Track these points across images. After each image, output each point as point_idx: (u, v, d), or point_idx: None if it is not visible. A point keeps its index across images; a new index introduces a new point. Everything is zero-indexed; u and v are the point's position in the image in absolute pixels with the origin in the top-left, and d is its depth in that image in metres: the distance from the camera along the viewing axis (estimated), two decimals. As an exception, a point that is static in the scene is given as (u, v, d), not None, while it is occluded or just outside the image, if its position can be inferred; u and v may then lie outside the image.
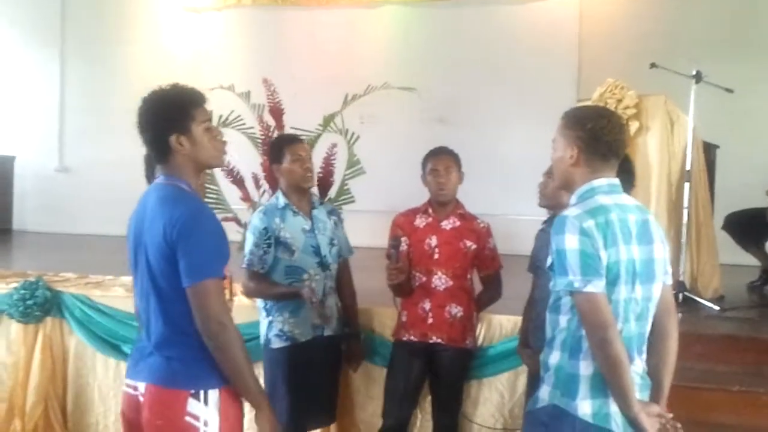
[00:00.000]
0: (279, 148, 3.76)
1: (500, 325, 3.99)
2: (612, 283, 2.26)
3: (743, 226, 6.07)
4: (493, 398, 3.96)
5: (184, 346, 2.34)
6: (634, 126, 5.28)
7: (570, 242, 2.26)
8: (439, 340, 3.67)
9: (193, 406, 2.30)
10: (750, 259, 6.26)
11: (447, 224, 3.73)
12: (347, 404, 4.21)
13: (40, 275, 4.88)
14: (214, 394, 2.33)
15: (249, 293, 3.75)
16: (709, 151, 5.62)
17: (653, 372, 2.41)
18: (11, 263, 6.89)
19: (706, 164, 5.47)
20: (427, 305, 3.67)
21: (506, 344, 3.94)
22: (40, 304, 4.70)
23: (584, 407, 2.28)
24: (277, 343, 3.62)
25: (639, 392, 2.33)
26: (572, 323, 2.33)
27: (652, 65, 5.38)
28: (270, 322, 3.65)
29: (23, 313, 4.69)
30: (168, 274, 2.31)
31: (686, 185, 5.13)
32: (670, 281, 2.46)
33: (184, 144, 2.41)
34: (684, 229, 5.13)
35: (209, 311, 2.28)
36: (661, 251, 2.41)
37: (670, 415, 2.36)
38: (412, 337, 3.71)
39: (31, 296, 4.69)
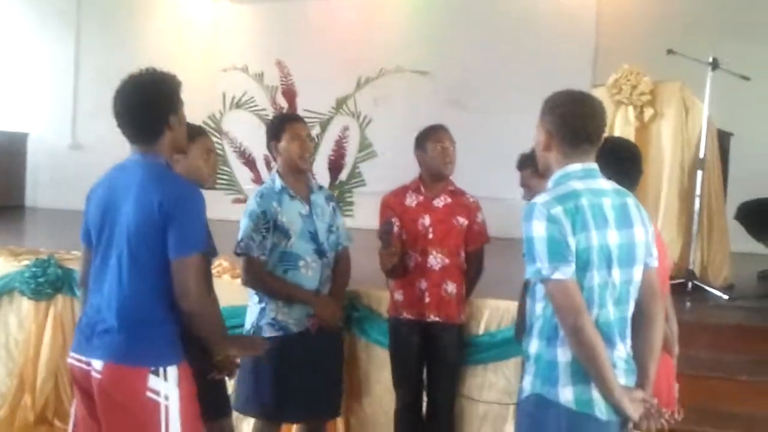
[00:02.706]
0: (278, 125, 3.59)
1: (508, 311, 3.98)
2: (583, 269, 2.23)
3: (757, 215, 6.03)
4: (499, 383, 3.96)
5: (150, 321, 2.40)
6: (648, 113, 5.25)
7: (537, 229, 2.23)
8: (436, 319, 3.67)
9: (153, 382, 2.38)
10: (762, 248, 6.21)
11: (439, 202, 3.72)
12: (354, 388, 4.21)
13: (52, 253, 4.90)
14: (173, 371, 2.41)
15: (250, 284, 3.47)
16: (723, 138, 5.58)
17: (638, 357, 2.37)
18: (23, 240, 6.94)
19: (720, 152, 5.44)
20: (423, 285, 3.66)
21: (513, 330, 3.93)
22: (51, 282, 4.73)
23: (566, 394, 2.25)
24: (268, 332, 3.42)
25: (624, 377, 2.30)
26: (547, 310, 2.30)
27: (669, 51, 5.32)
28: (262, 309, 3.47)
29: (34, 290, 4.72)
30: (152, 248, 2.38)
31: (699, 173, 5.10)
32: (654, 264, 2.41)
33: (175, 124, 2.52)
34: (696, 218, 5.11)
35: (191, 284, 2.37)
36: (643, 234, 2.36)
37: (656, 400, 2.34)
38: (409, 316, 3.70)
39: (42, 274, 4.73)
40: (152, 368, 2.38)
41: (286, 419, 3.64)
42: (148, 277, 2.40)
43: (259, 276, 3.42)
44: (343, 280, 3.66)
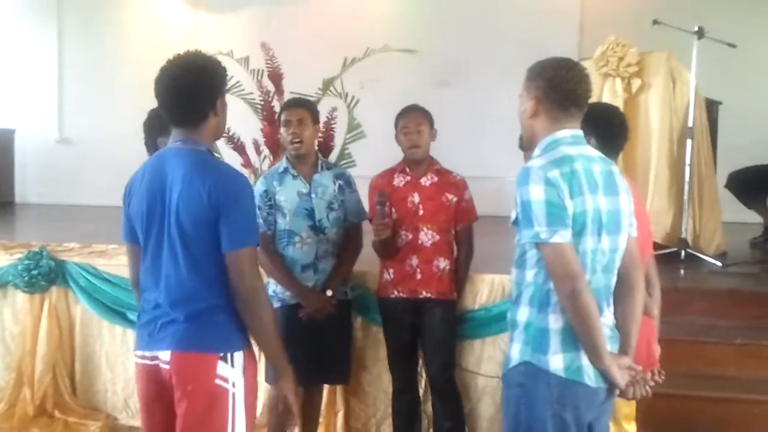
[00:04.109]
0: (279, 114, 3.83)
1: (503, 286, 3.99)
2: (578, 233, 2.23)
3: (747, 183, 6.07)
4: (496, 356, 3.97)
5: (212, 309, 2.34)
6: (636, 84, 5.27)
7: (535, 193, 2.21)
8: (428, 295, 3.70)
9: (222, 368, 2.33)
10: (753, 217, 6.25)
11: (426, 180, 3.75)
12: (353, 367, 4.20)
13: (44, 245, 4.88)
14: (239, 356, 2.37)
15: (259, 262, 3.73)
16: (711, 107, 5.61)
17: (620, 324, 2.38)
18: (15, 235, 6.90)
19: (709, 121, 5.46)
20: (415, 261, 3.69)
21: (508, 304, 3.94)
22: (44, 274, 4.71)
23: (556, 362, 2.25)
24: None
25: (609, 344, 2.31)
26: (539, 277, 2.29)
27: (655, 22, 5.34)
28: (267, 283, 3.68)
29: (28, 283, 4.70)
30: (206, 239, 2.31)
31: (688, 142, 5.11)
32: (635, 234, 2.42)
33: (220, 108, 2.46)
34: (686, 187, 5.13)
35: (245, 277, 2.32)
36: (627, 203, 2.37)
37: (640, 368, 2.35)
38: (401, 294, 3.73)
39: (35, 266, 4.70)
40: (221, 354, 2.33)
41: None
42: (205, 269, 2.33)
43: (264, 251, 3.58)
44: (348, 256, 3.77)
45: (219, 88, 2.45)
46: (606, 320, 2.33)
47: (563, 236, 2.19)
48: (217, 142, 4.91)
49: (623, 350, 2.36)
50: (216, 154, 4.87)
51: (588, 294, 2.20)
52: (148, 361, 2.41)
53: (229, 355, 2.35)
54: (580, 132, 2.38)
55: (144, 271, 2.46)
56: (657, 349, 3.08)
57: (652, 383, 2.40)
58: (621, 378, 2.28)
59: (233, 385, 2.35)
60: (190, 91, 2.38)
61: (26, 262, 4.71)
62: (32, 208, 9.27)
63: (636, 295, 2.41)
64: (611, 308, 2.37)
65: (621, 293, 2.39)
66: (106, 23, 9.52)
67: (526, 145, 2.53)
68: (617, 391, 2.33)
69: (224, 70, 2.49)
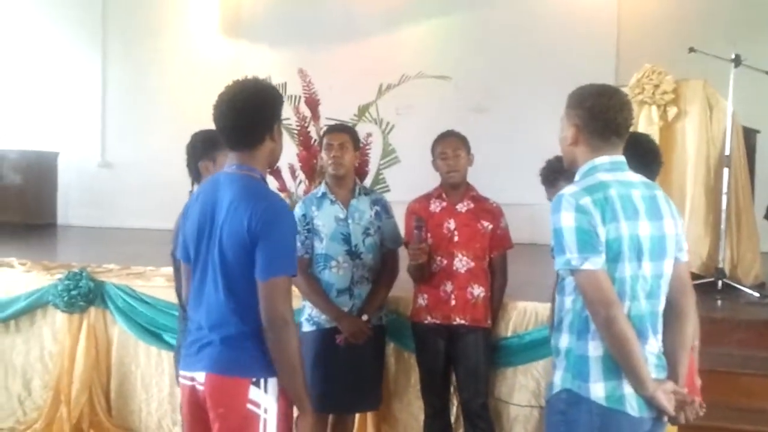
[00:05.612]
0: (321, 137, 3.91)
1: (536, 313, 3.98)
2: (614, 260, 2.22)
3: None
4: (529, 385, 3.96)
5: (248, 334, 2.36)
6: (672, 111, 5.23)
7: (566, 220, 2.22)
8: (462, 322, 3.70)
9: (254, 393, 2.34)
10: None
11: (462, 207, 3.77)
12: (384, 393, 4.21)
13: (84, 266, 4.98)
14: (273, 382, 2.37)
15: (295, 285, 3.70)
16: (749, 136, 5.53)
17: (668, 353, 2.34)
18: (56, 256, 7.05)
19: (746, 149, 5.38)
20: (449, 287, 3.71)
21: (542, 331, 3.92)
22: (83, 295, 4.81)
23: (597, 390, 2.24)
24: (306, 327, 3.70)
25: (655, 372, 2.28)
26: (577, 304, 2.29)
27: (691, 50, 5.30)
28: (303, 307, 3.75)
29: (67, 303, 4.80)
30: (244, 265, 2.33)
31: (725, 171, 5.06)
32: (685, 258, 2.39)
33: (276, 133, 2.50)
34: (723, 215, 5.07)
35: (276, 306, 2.31)
36: (672, 227, 2.34)
37: (686, 390, 2.32)
38: (435, 320, 3.74)
39: (75, 287, 4.80)
40: (253, 379, 2.34)
41: (327, 410, 3.69)
42: (242, 295, 2.35)
43: (301, 275, 3.55)
44: (384, 282, 3.79)
45: (277, 113, 2.50)
46: (651, 348, 2.30)
47: (595, 263, 2.19)
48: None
49: (671, 378, 2.32)
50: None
51: (623, 321, 2.19)
52: (188, 382, 2.46)
53: (262, 380, 2.35)
54: (620, 158, 2.37)
55: (191, 292, 2.51)
56: (698, 381, 3.03)
57: (700, 410, 2.36)
58: (668, 403, 2.25)
59: (265, 410, 2.35)
60: (248, 113, 2.42)
61: (66, 282, 4.82)
62: (73, 229, 9.46)
63: (685, 322, 2.37)
64: (659, 336, 2.34)
65: (669, 320, 2.36)
66: (149, 52, 9.74)
67: (568, 169, 2.52)
68: (665, 418, 2.29)
69: (281, 96, 2.55)
